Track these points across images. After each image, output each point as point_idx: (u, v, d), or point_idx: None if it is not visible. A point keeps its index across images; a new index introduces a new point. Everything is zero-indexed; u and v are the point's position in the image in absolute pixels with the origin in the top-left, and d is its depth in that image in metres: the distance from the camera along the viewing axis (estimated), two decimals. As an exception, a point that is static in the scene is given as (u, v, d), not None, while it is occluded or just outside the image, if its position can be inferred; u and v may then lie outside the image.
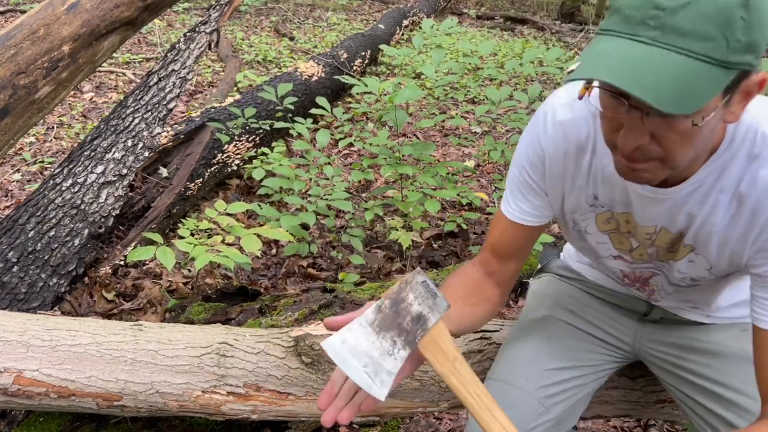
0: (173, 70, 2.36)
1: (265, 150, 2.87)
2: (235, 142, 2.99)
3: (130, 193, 2.49)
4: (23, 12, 5.49)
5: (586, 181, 0.94)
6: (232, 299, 1.83)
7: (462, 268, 1.10)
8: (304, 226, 2.45)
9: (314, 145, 3.11)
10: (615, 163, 0.79)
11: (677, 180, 0.84)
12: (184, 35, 2.45)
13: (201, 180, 2.74)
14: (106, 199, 2.15)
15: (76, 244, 2.05)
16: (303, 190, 2.65)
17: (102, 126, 2.27)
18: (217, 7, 2.47)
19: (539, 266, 1.34)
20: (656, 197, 0.87)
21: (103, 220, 2.14)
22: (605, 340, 1.16)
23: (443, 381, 1.10)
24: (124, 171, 2.22)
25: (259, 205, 2.33)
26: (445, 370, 0.81)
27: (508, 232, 1.04)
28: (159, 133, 2.32)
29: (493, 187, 3.12)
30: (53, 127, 3.69)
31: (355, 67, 4.57)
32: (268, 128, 2.95)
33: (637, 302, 1.14)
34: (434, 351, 0.82)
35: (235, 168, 3.04)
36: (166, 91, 2.33)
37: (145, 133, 2.28)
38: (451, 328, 0.86)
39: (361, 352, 0.78)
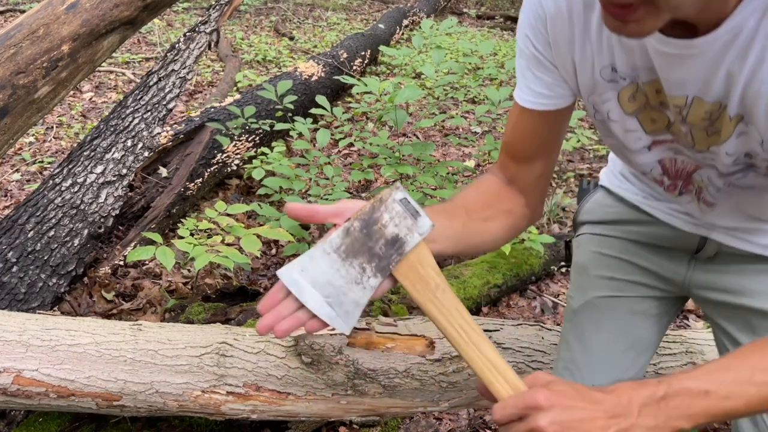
0: (173, 70, 2.35)
1: (265, 150, 2.87)
2: (234, 142, 2.99)
3: (130, 193, 2.49)
4: (23, 11, 5.48)
5: (598, 46, 0.77)
6: (231, 299, 1.83)
7: (479, 178, 0.95)
8: (304, 226, 2.45)
9: (314, 145, 3.11)
10: (602, 18, 0.63)
11: (708, 26, 0.64)
12: (184, 35, 2.44)
13: (201, 180, 2.74)
14: (105, 199, 2.15)
15: (75, 244, 2.05)
16: (303, 190, 2.65)
17: (101, 126, 2.27)
18: (217, 7, 2.47)
19: (577, 205, 1.17)
20: (682, 53, 0.67)
21: (102, 220, 2.14)
22: (653, 295, 1.05)
23: (441, 379, 1.07)
24: (124, 171, 2.22)
25: (259, 204, 2.33)
26: (424, 299, 0.72)
27: (523, 122, 0.87)
28: (159, 133, 2.32)
29: (493, 187, 3.11)
30: (53, 127, 3.69)
31: (355, 67, 4.57)
32: (268, 128, 2.95)
33: (687, 238, 0.98)
34: (412, 278, 0.72)
35: (234, 168, 3.04)
36: (166, 91, 2.32)
37: (144, 133, 2.27)
38: (447, 246, 0.77)
39: (323, 281, 0.69)
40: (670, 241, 1.01)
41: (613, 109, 0.81)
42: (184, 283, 2.20)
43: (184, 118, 3.26)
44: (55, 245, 2.00)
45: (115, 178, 2.19)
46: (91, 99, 4.21)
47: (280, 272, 0.69)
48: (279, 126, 2.78)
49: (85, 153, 2.19)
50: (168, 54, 2.41)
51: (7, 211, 2.61)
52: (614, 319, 1.07)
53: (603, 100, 0.81)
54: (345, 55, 4.50)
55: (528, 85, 0.85)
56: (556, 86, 0.84)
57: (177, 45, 2.41)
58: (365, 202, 0.73)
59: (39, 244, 1.97)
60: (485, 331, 1.31)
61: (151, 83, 2.33)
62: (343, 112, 2.98)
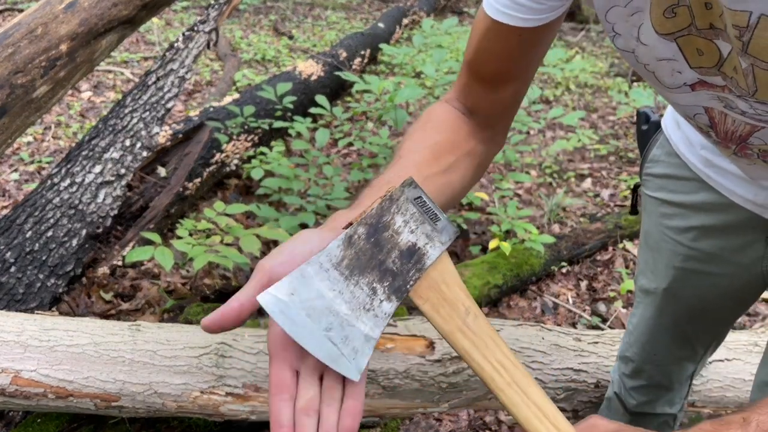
0: (171, 70, 2.35)
1: (264, 149, 2.86)
2: (233, 142, 2.99)
3: (128, 193, 2.48)
4: (21, 11, 5.48)
5: None
6: (230, 299, 1.82)
7: (427, 116, 0.74)
8: (303, 227, 2.45)
9: (313, 145, 3.11)
10: None
11: None
12: (183, 34, 2.44)
13: (199, 180, 2.73)
14: (104, 200, 2.15)
15: (73, 245, 2.04)
16: (302, 190, 2.64)
17: (100, 125, 2.26)
18: (216, 6, 2.46)
19: (643, 153, 0.98)
20: None
21: (101, 220, 2.13)
22: (727, 284, 0.93)
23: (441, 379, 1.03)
24: (122, 171, 2.21)
25: (257, 205, 2.32)
26: (451, 328, 0.55)
27: (492, 37, 0.67)
28: (157, 133, 2.31)
29: (494, 187, 3.12)
30: (51, 127, 3.68)
31: (354, 66, 4.57)
32: (267, 128, 2.94)
33: (759, 218, 0.83)
34: (435, 301, 0.55)
35: (233, 168, 3.03)
36: (165, 90, 2.32)
37: (143, 133, 2.27)
38: None
39: (321, 309, 0.51)
40: (740, 213, 0.85)
41: (645, 26, 0.58)
42: (183, 284, 2.19)
43: (183, 117, 3.25)
44: (54, 245, 2.00)
45: (113, 178, 2.18)
46: (89, 98, 4.20)
47: (262, 297, 0.51)
48: (278, 124, 2.78)
49: (83, 153, 2.19)
50: (167, 53, 2.40)
51: (5, 211, 2.60)
52: (684, 311, 0.99)
53: (627, 17, 0.59)
54: (344, 55, 4.49)
55: None
56: None
57: (176, 44, 2.41)
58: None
59: (37, 245, 1.97)
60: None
61: (149, 82, 2.32)
62: (343, 112, 2.98)
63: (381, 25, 5.73)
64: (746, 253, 0.89)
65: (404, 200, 0.56)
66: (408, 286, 0.54)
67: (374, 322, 0.53)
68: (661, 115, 0.96)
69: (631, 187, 1.11)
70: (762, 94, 0.56)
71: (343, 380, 0.53)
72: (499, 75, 0.71)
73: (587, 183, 3.30)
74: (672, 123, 0.92)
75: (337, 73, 3.91)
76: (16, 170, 3.14)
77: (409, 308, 1.87)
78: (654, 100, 3.08)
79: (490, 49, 0.69)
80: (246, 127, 2.99)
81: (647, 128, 0.97)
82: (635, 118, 1.00)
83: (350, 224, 0.55)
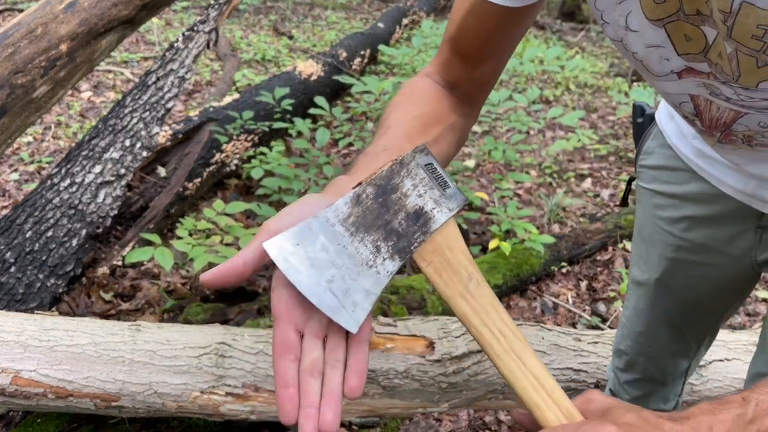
0: (171, 70, 2.35)
1: (264, 149, 2.86)
2: (233, 142, 2.99)
3: (128, 193, 2.48)
4: (21, 11, 5.48)
5: None
6: (230, 300, 1.82)
7: (406, 86, 0.76)
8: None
9: (313, 145, 3.11)
10: None
11: None
12: (183, 34, 2.44)
13: (199, 180, 2.73)
14: (104, 200, 2.15)
15: (73, 245, 2.04)
16: (302, 190, 2.64)
17: (100, 125, 2.26)
18: (216, 6, 2.46)
19: (637, 147, 0.99)
20: None
21: (100, 220, 2.13)
22: (720, 275, 0.93)
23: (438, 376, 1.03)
24: (122, 171, 2.21)
25: (258, 204, 2.32)
26: (453, 293, 0.56)
27: (476, 14, 0.69)
28: (157, 133, 2.31)
29: (494, 187, 3.12)
30: (51, 127, 3.68)
31: (354, 66, 4.57)
32: (267, 128, 2.94)
33: (749, 208, 0.84)
34: (438, 265, 0.56)
35: (233, 168, 3.03)
36: (165, 90, 2.32)
37: (143, 133, 2.27)
38: None
39: (325, 261, 0.52)
40: (730, 203, 0.85)
41: (634, 12, 0.60)
42: (183, 284, 2.19)
43: (183, 117, 3.25)
44: (54, 245, 2.00)
45: (113, 178, 2.18)
46: (89, 98, 4.20)
47: (268, 244, 0.51)
48: (278, 125, 2.78)
49: (83, 153, 2.19)
50: (166, 53, 2.40)
51: (5, 211, 2.60)
52: (677, 302, 1.00)
53: (616, 4, 0.60)
54: (344, 54, 4.49)
55: None
56: None
57: (176, 44, 2.41)
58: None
59: (37, 245, 1.97)
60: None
61: (149, 83, 2.32)
62: (342, 112, 2.98)
63: (381, 25, 5.73)
64: (736, 243, 0.90)
65: (415, 165, 0.56)
66: (412, 248, 0.55)
67: (375, 279, 0.54)
68: (653, 111, 0.98)
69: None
70: (745, 80, 0.58)
71: (346, 342, 0.53)
72: (479, 52, 0.73)
73: (587, 183, 3.31)
74: (665, 115, 0.94)
75: (335, 77, 3.91)
76: (16, 170, 3.14)
77: (409, 308, 1.87)
78: (654, 99, 3.08)
79: (473, 26, 0.71)
80: (245, 127, 2.99)
81: (642, 121, 0.99)
82: (632, 111, 1.01)
83: (359, 184, 0.56)
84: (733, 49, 0.55)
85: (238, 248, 1.94)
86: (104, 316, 1.99)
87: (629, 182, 1.08)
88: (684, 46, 0.60)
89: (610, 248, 2.62)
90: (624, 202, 1.09)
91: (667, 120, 0.93)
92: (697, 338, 1.07)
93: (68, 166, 2.15)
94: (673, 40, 0.60)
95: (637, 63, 0.67)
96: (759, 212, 0.84)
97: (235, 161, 3.02)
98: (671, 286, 0.99)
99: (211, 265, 2.19)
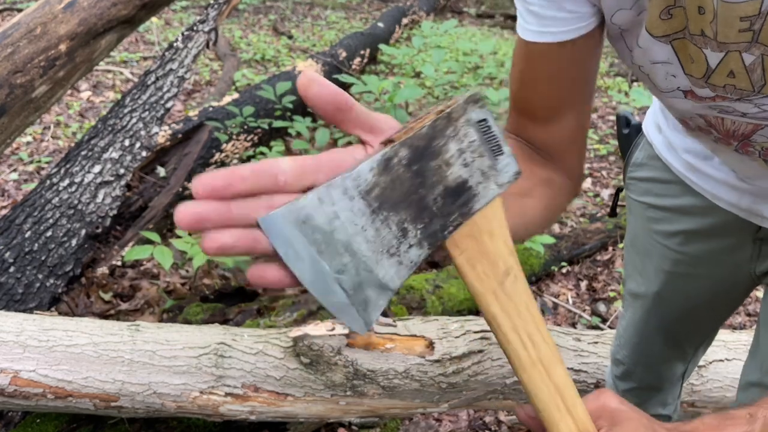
0: (171, 69, 2.35)
1: (264, 149, 2.86)
2: (233, 142, 2.99)
3: (128, 193, 2.48)
4: (20, 10, 5.47)
5: None
6: (230, 300, 1.82)
7: None
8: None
9: (313, 144, 3.10)
10: None
11: None
12: (182, 34, 2.43)
13: (199, 179, 2.73)
14: (103, 200, 2.14)
15: (73, 245, 2.04)
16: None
17: (99, 125, 2.26)
18: (215, 6, 2.46)
19: (625, 159, 0.96)
20: None
21: (100, 220, 2.13)
22: (715, 289, 0.93)
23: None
24: (122, 171, 2.21)
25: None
26: (485, 289, 0.46)
27: (535, 63, 0.62)
28: (156, 133, 2.31)
29: (493, 187, 3.11)
30: (50, 127, 3.68)
31: (354, 66, 4.56)
32: (267, 128, 2.94)
33: (745, 220, 0.82)
34: (473, 254, 0.45)
35: (233, 167, 3.03)
36: (164, 90, 2.32)
37: (142, 133, 2.26)
38: None
39: (337, 245, 0.40)
40: (727, 217, 0.83)
41: (641, 29, 0.57)
42: (182, 284, 2.19)
43: (182, 117, 3.25)
44: (53, 245, 2.00)
45: (112, 178, 2.18)
46: (88, 98, 4.20)
47: (266, 219, 0.39)
48: (277, 124, 2.77)
49: (82, 153, 2.18)
50: (166, 53, 2.40)
51: (4, 211, 2.60)
52: (673, 316, 1.00)
53: (627, 19, 0.57)
54: (344, 54, 4.49)
55: (530, 9, 0.59)
56: (562, 1, 0.57)
57: (175, 44, 2.40)
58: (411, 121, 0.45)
59: (36, 245, 1.97)
60: (485, 331, 1.30)
61: (149, 82, 2.32)
62: (342, 112, 2.97)
63: (380, 24, 5.73)
64: (734, 255, 0.89)
65: (465, 122, 0.43)
66: (446, 233, 0.43)
67: (396, 270, 0.42)
68: (640, 123, 0.95)
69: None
70: None
71: None
72: (549, 104, 0.65)
73: (587, 183, 3.30)
74: (653, 127, 0.91)
75: (335, 76, 3.91)
76: (15, 170, 3.14)
77: (409, 308, 1.86)
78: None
79: (533, 76, 0.64)
80: (245, 126, 2.99)
81: (629, 132, 0.96)
82: (615, 122, 0.98)
83: (390, 141, 0.43)
84: (758, 56, 0.52)
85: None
86: (103, 316, 1.99)
87: (617, 193, 1.07)
88: (689, 66, 0.57)
89: (610, 248, 2.62)
90: (613, 213, 1.08)
91: (655, 132, 0.90)
92: (694, 344, 1.07)
93: (67, 165, 2.15)
94: (680, 58, 0.57)
95: (643, 76, 0.63)
96: (756, 224, 0.82)
97: (235, 161, 3.02)
98: (669, 299, 0.99)
99: (209, 264, 2.19)
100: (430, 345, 1.26)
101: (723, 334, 1.48)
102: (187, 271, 2.29)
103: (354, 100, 0.43)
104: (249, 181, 0.40)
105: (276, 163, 0.41)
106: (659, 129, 0.90)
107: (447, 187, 0.43)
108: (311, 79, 0.40)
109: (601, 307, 2.28)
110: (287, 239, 0.39)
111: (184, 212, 0.39)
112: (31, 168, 3.17)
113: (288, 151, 3.38)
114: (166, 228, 2.53)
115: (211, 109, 3.07)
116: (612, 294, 2.36)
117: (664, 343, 1.04)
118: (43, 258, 1.96)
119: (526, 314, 0.47)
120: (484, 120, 0.44)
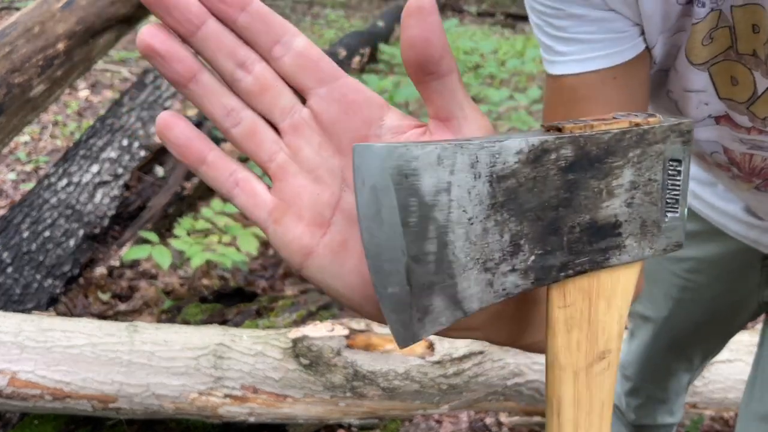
0: (170, 68, 2.34)
1: (263, 149, 2.85)
2: (232, 141, 2.98)
3: (126, 193, 2.47)
4: (18, 9, 5.46)
5: None
6: (229, 300, 1.81)
7: None
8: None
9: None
10: None
11: None
12: (181, 33, 2.43)
13: (198, 179, 2.72)
14: (101, 200, 2.14)
15: (71, 245, 2.03)
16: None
17: (97, 125, 2.25)
18: (214, 5, 2.46)
19: None
20: None
21: (98, 220, 2.12)
22: (724, 309, 0.94)
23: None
24: (120, 171, 2.20)
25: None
26: (566, 364, 0.35)
27: (575, 95, 0.52)
28: (155, 132, 2.31)
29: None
30: (48, 126, 3.67)
31: (354, 65, 4.56)
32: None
33: (753, 251, 0.80)
34: (576, 316, 0.35)
35: (232, 167, 3.03)
36: (163, 89, 2.31)
37: (141, 132, 2.26)
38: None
39: (432, 221, 0.30)
40: (734, 244, 0.82)
41: (680, 55, 0.51)
42: (181, 284, 2.18)
43: (182, 116, 3.24)
44: (51, 246, 1.99)
45: (110, 178, 2.17)
46: (86, 97, 4.19)
47: (364, 149, 0.29)
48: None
49: (80, 152, 2.18)
50: (165, 52, 2.39)
51: (2, 212, 2.59)
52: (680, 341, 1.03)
53: (668, 43, 0.50)
54: (344, 53, 4.49)
55: (569, 39, 0.50)
56: (611, 21, 0.49)
57: (174, 43, 2.40)
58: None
59: (34, 245, 1.96)
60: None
61: (147, 81, 2.31)
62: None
63: (380, 23, 5.72)
64: (743, 281, 0.89)
65: (657, 153, 0.34)
66: (562, 274, 0.33)
67: (480, 291, 0.32)
68: None
69: None
70: None
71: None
72: None
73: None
74: None
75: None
76: (13, 170, 3.13)
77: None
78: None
79: (579, 104, 0.53)
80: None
81: None
82: None
83: (558, 129, 0.33)
84: None
85: (237, 248, 1.93)
86: (102, 316, 1.98)
87: None
88: (728, 89, 0.51)
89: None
90: None
91: None
92: (701, 357, 1.09)
93: (65, 165, 2.14)
94: (715, 83, 0.51)
95: (669, 102, 0.56)
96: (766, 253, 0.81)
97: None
98: (678, 323, 1.01)
99: (208, 265, 2.19)
100: (431, 346, 1.26)
101: (724, 335, 1.47)
102: (185, 271, 2.29)
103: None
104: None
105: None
106: None
107: (594, 221, 0.33)
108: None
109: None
110: (374, 185, 0.29)
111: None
112: (29, 168, 3.16)
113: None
114: (165, 228, 2.53)
115: (210, 108, 3.06)
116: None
117: (673, 359, 1.06)
118: (41, 258, 1.96)
119: (596, 415, 0.36)
120: (679, 161, 0.35)
